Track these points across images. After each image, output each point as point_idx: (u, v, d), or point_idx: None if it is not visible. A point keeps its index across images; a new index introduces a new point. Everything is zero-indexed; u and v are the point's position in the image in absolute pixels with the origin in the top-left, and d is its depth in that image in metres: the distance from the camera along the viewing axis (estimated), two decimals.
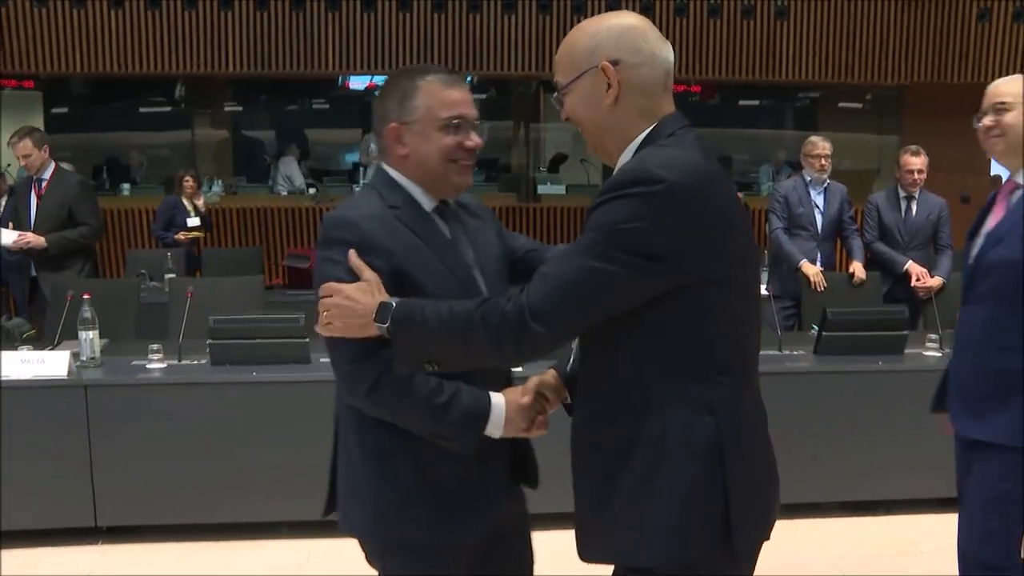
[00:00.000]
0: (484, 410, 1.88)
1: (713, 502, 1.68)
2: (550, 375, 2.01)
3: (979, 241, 2.60)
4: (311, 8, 8.72)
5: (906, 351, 4.54)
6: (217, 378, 4.01)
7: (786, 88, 10.67)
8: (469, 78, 8.84)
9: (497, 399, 1.91)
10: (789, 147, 10.29)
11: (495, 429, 1.90)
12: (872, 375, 4.34)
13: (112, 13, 8.44)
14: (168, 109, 10.70)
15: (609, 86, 1.74)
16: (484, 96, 10.83)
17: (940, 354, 4.53)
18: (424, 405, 1.83)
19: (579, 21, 6.19)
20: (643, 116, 1.76)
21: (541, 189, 9.99)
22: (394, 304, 1.75)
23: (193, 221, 7.51)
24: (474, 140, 1.95)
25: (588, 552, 1.80)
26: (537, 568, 2.22)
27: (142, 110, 10.68)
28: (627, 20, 1.77)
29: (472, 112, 1.95)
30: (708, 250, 1.65)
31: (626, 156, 1.77)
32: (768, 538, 1.80)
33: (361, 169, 9.78)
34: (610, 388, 1.74)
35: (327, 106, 11.55)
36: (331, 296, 1.81)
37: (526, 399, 1.92)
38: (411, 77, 1.94)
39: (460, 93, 1.94)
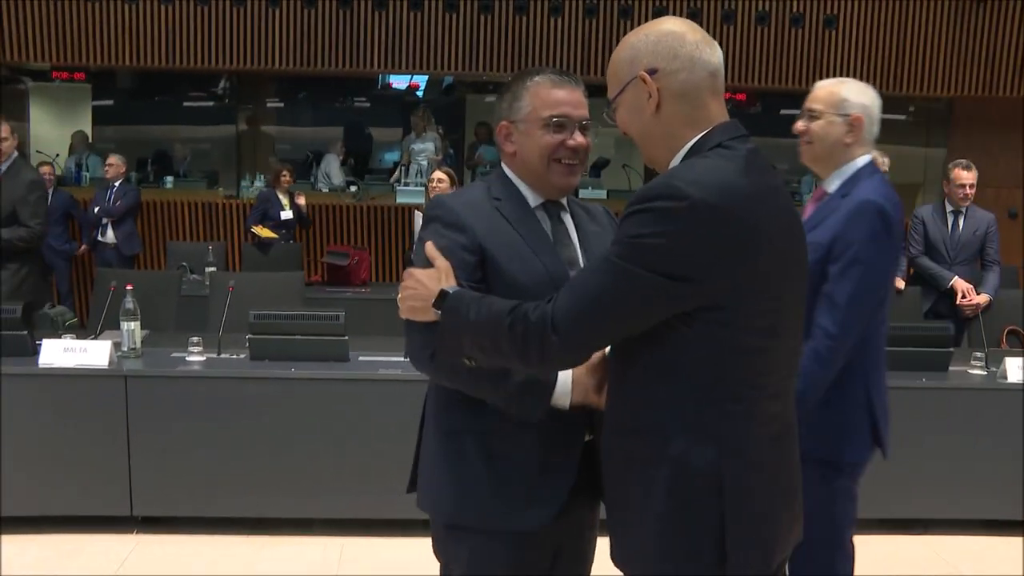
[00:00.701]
0: (553, 375, 1.86)
1: (708, 530, 1.64)
2: None
3: None
4: (358, 6, 8.75)
5: (951, 368, 4.46)
6: (256, 373, 4.03)
7: None
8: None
9: (564, 375, 1.88)
10: None
11: (563, 396, 1.87)
12: (915, 392, 4.27)
13: (162, 8, 8.52)
14: (213, 104, 10.79)
15: (650, 95, 1.70)
16: None
17: (985, 372, 4.45)
18: (490, 371, 1.83)
19: (625, 25, 6.21)
20: (690, 124, 1.70)
21: (583, 193, 9.94)
22: (451, 292, 1.78)
23: (286, 215, 7.63)
24: (577, 140, 1.96)
25: (614, 558, 1.81)
26: None
27: (187, 104, 10.78)
28: (666, 26, 1.73)
29: (578, 112, 1.97)
30: (736, 272, 1.59)
31: (674, 164, 1.72)
32: (772, 572, 1.73)
33: (401, 168, 9.80)
34: (624, 399, 1.73)
35: (368, 104, 11.59)
36: (408, 279, 1.87)
37: (595, 359, 1.85)
38: (523, 78, 2.00)
39: (567, 93, 1.96)
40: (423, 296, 1.81)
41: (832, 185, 2.69)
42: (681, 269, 1.57)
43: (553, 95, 1.96)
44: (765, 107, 11.11)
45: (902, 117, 10.82)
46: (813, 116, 2.65)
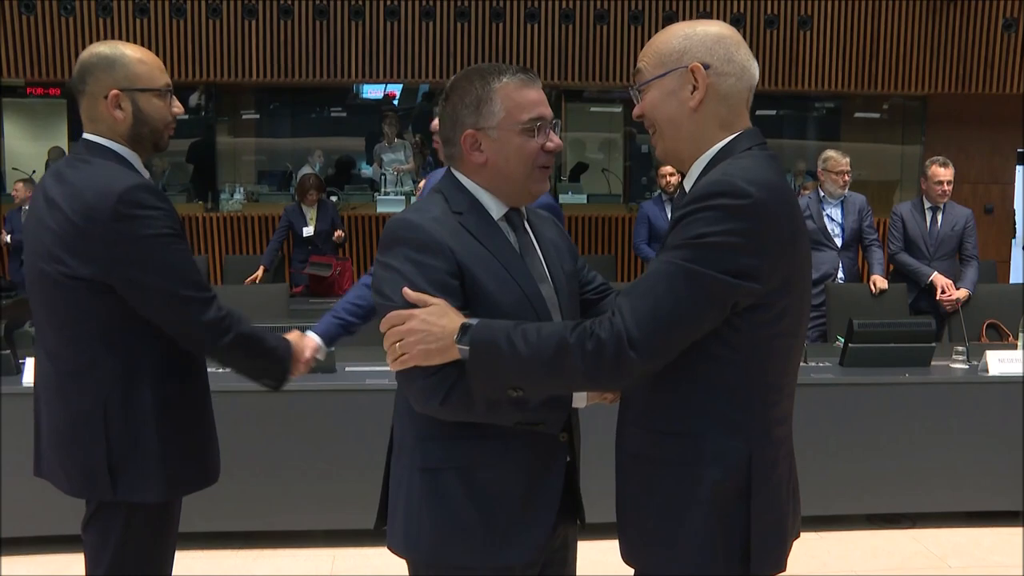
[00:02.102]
0: None
1: (736, 529, 1.67)
2: None
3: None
4: (335, 17, 8.75)
5: (933, 363, 4.51)
6: (240, 386, 3.99)
7: (807, 97, 10.62)
8: None
9: None
10: (810, 157, 10.24)
11: (580, 399, 1.85)
12: (898, 387, 4.31)
13: (137, 21, 8.50)
14: (190, 116, 10.76)
15: (694, 89, 1.71)
16: None
17: (967, 366, 4.50)
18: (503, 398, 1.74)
19: (601, 30, 6.26)
20: (722, 126, 1.73)
21: (562, 198, 9.97)
22: (474, 324, 1.68)
23: (308, 231, 7.43)
24: (555, 141, 1.88)
25: (627, 556, 1.81)
26: None
27: None
28: (723, 30, 1.74)
29: (550, 112, 1.89)
30: (779, 271, 1.62)
31: (699, 165, 1.74)
32: (784, 569, 1.77)
33: (382, 177, 9.80)
34: (656, 401, 1.71)
35: (346, 114, 11.58)
36: (403, 323, 1.72)
37: None
38: (484, 79, 1.84)
39: (537, 92, 1.87)
40: (438, 335, 1.68)
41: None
42: (747, 267, 1.58)
43: (527, 96, 1.85)
44: (765, 108, 11.19)
45: (879, 115, 10.92)
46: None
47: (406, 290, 1.74)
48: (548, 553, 1.95)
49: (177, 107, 2.27)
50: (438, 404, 1.74)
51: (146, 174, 2.25)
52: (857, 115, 11.01)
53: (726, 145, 1.72)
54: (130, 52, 2.21)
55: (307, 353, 2.53)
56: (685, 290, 1.58)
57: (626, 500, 1.79)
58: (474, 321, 1.69)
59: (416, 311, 1.71)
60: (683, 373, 1.66)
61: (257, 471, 3.98)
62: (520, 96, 1.84)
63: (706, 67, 1.70)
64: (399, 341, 1.72)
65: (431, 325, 1.69)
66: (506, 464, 1.83)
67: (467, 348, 1.66)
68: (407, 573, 1.96)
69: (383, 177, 9.71)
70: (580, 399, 1.86)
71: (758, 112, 11.16)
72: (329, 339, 2.71)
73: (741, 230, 1.57)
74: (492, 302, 1.79)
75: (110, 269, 2.09)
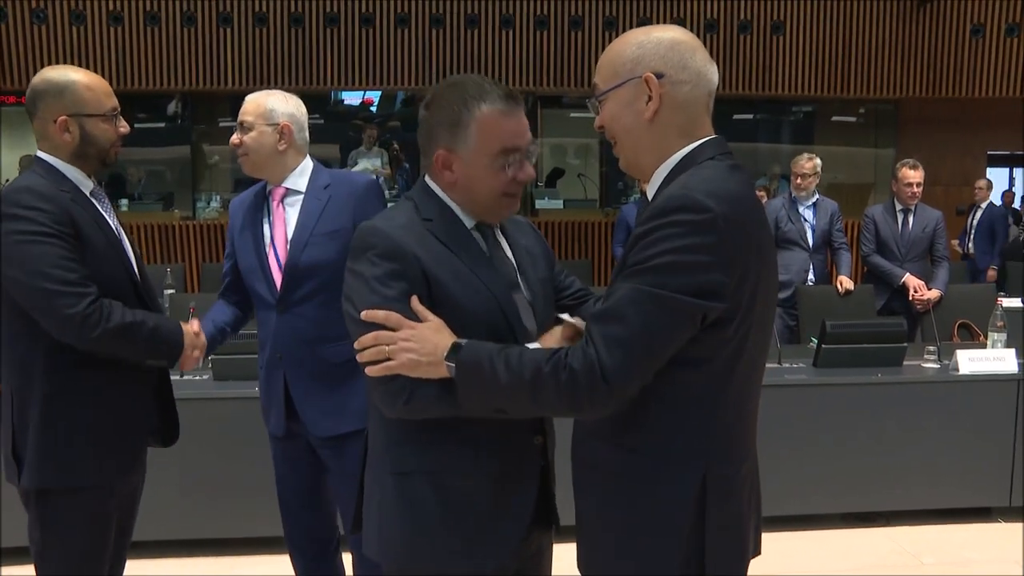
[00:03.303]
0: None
1: (693, 546, 1.66)
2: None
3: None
4: (310, 24, 8.76)
5: (905, 363, 4.56)
6: (219, 393, 4.02)
7: (782, 102, 10.72)
8: None
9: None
10: (784, 161, 10.34)
11: None
12: (871, 387, 4.36)
13: (111, 30, 8.47)
14: (166, 124, 10.72)
15: (650, 99, 1.67)
16: None
17: (938, 365, 4.56)
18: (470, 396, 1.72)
19: (576, 36, 6.30)
20: (681, 135, 1.69)
21: (539, 204, 10.01)
22: (464, 344, 1.68)
23: None
24: (527, 172, 1.86)
25: (583, 567, 1.80)
26: None
27: (141, 126, 10.69)
28: (677, 35, 1.70)
29: (526, 140, 1.86)
30: (746, 285, 1.60)
31: (660, 174, 1.70)
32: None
33: None
34: (619, 414, 1.67)
35: (322, 121, 11.59)
36: (396, 330, 1.71)
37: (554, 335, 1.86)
38: (465, 101, 1.81)
39: (517, 121, 1.84)
40: (428, 352, 1.68)
41: None
42: (713, 284, 1.55)
43: (504, 127, 1.82)
44: (717, 113, 11.26)
45: (853, 119, 11.03)
46: (246, 127, 2.77)
47: (414, 300, 1.74)
48: (522, 559, 1.95)
49: (123, 127, 2.44)
50: (403, 404, 1.74)
51: (88, 186, 2.39)
52: (831, 119, 11.12)
53: (688, 155, 1.68)
54: (78, 79, 2.37)
55: (194, 327, 2.57)
56: (654, 315, 1.55)
57: (583, 513, 1.77)
58: (464, 342, 1.68)
59: (417, 324, 1.71)
60: (647, 389, 1.63)
61: (233, 478, 3.97)
62: (497, 127, 1.81)
63: (660, 76, 1.66)
64: (389, 346, 1.71)
65: (425, 340, 1.69)
66: (479, 470, 1.83)
67: (453, 366, 1.67)
68: None
69: None
70: None
71: (733, 116, 11.30)
72: (211, 339, 2.74)
73: (703, 246, 1.54)
74: (460, 308, 1.78)
75: None
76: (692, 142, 1.69)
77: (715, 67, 1.73)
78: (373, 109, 11.14)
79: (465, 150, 1.82)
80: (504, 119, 1.82)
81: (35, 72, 2.42)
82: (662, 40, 1.68)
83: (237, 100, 9.83)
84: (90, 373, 2.31)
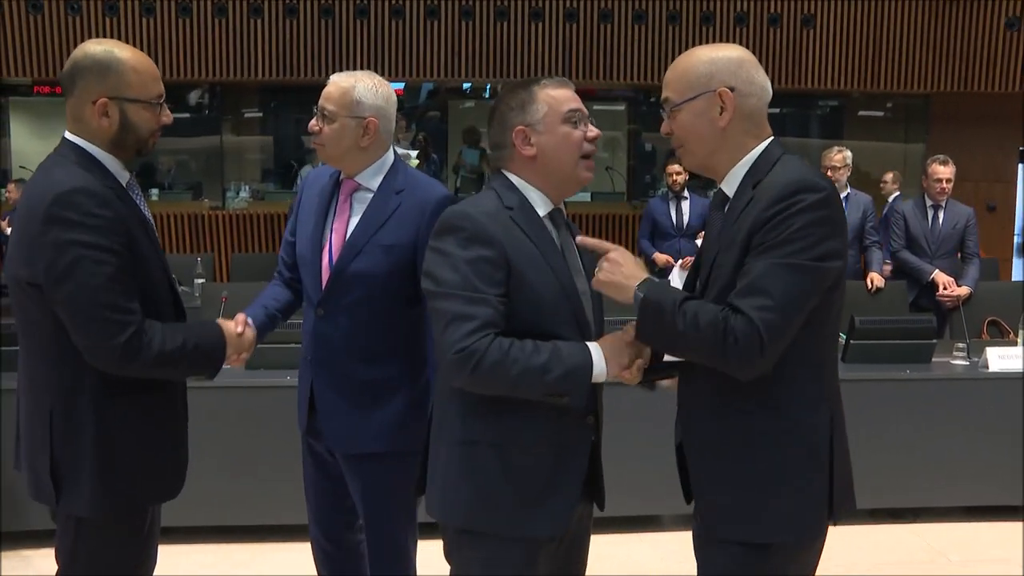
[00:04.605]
0: (587, 358, 1.94)
1: (823, 484, 1.92)
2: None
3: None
4: (339, 16, 8.80)
5: (934, 359, 4.55)
6: (251, 382, 4.07)
7: (812, 96, 10.66)
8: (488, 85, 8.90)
9: (593, 345, 1.97)
10: (813, 155, 10.30)
11: (600, 374, 1.96)
12: (900, 383, 4.36)
13: (144, 21, 8.55)
14: (197, 115, 10.81)
15: (722, 110, 1.93)
16: None
17: (967, 362, 4.54)
18: (528, 369, 1.89)
19: (605, 29, 6.32)
20: (751, 137, 1.97)
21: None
22: (653, 283, 1.91)
23: None
24: (594, 130, 2.10)
25: (721, 531, 1.96)
26: None
27: (173, 114, 10.78)
28: (742, 54, 1.98)
29: (584, 107, 2.10)
30: (846, 251, 1.90)
31: (739, 170, 1.96)
32: (855, 506, 2.06)
33: None
34: (739, 381, 1.86)
35: None
36: (612, 252, 1.97)
37: (622, 334, 2.00)
38: (526, 86, 2.09)
39: (571, 91, 2.11)
40: (627, 274, 1.93)
41: None
42: (833, 249, 1.83)
43: (563, 93, 2.08)
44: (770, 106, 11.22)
45: (883, 114, 10.95)
46: (329, 116, 2.56)
47: (581, 238, 2.05)
48: (570, 528, 2.10)
49: (167, 117, 2.21)
50: (468, 374, 1.90)
51: (125, 177, 2.20)
52: (861, 113, 11.05)
53: (764, 152, 1.96)
54: (125, 57, 2.13)
55: (239, 328, 2.40)
56: (793, 282, 1.80)
57: (715, 479, 1.96)
58: (654, 279, 1.93)
59: (620, 256, 1.96)
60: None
61: (263, 466, 4.03)
62: (559, 94, 2.08)
63: (732, 90, 1.93)
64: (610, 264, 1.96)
65: (627, 264, 1.95)
66: (538, 444, 2.00)
67: (642, 296, 1.89)
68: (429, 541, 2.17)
69: None
70: (601, 376, 1.97)
71: (768, 110, 11.26)
72: (261, 328, 2.62)
73: (824, 219, 1.82)
74: (534, 292, 1.98)
75: (38, 274, 2.04)
76: (761, 142, 1.97)
77: (769, 80, 2.00)
78: (400, 100, 11.19)
79: (539, 121, 2.05)
80: (562, 89, 2.10)
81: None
82: (731, 58, 1.96)
83: (266, 91, 9.88)
84: (140, 396, 2.17)
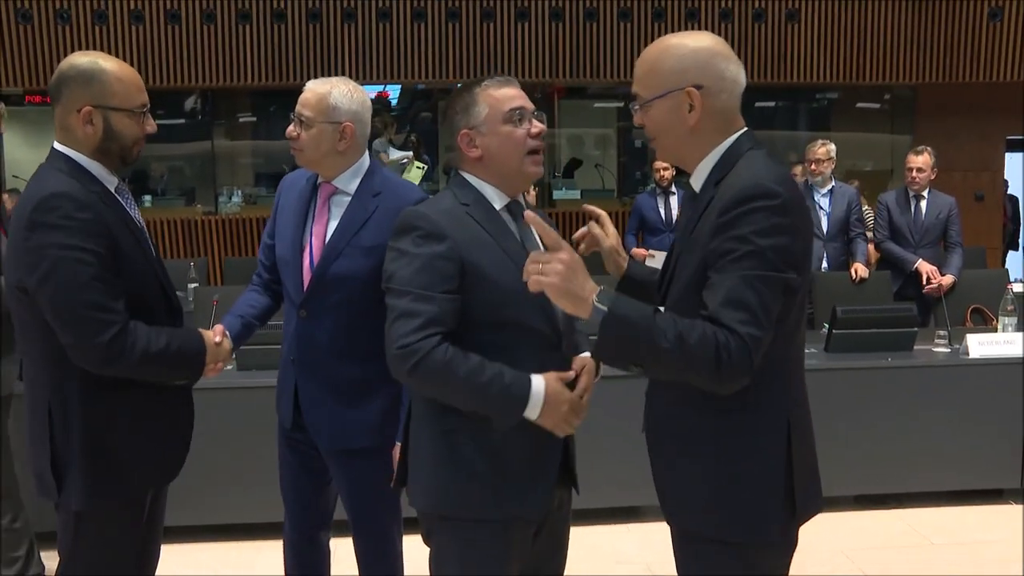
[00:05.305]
0: (524, 393, 1.98)
1: (786, 483, 1.89)
2: (591, 365, 2.12)
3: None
4: (327, 20, 8.86)
5: (916, 347, 4.62)
6: (243, 383, 4.13)
7: (799, 89, 10.72)
8: None
9: (538, 385, 1.99)
10: (801, 149, 10.36)
11: (533, 412, 1.99)
12: (881, 371, 4.43)
13: (133, 29, 8.60)
14: (187, 121, 10.86)
15: (691, 108, 1.88)
16: None
17: (949, 349, 4.61)
18: (464, 386, 1.96)
19: (590, 27, 6.37)
20: (720, 132, 1.92)
21: (556, 194, 10.08)
22: (615, 297, 1.79)
23: None
24: (538, 125, 2.13)
25: (689, 523, 1.95)
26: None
27: (162, 122, 10.83)
28: (711, 44, 1.91)
29: (529, 104, 2.13)
30: (806, 254, 1.87)
31: (706, 165, 1.92)
32: (822, 507, 2.04)
33: None
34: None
35: None
36: (558, 254, 1.80)
37: (571, 398, 2.02)
38: (469, 88, 2.13)
39: (514, 89, 2.13)
40: (580, 284, 1.77)
41: None
42: (795, 256, 1.80)
43: (505, 93, 2.12)
44: (755, 100, 11.27)
45: (871, 106, 11.01)
46: (305, 122, 2.62)
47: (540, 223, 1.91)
48: (548, 512, 2.17)
49: (150, 126, 2.30)
50: (407, 372, 1.97)
51: (113, 183, 2.27)
52: (848, 106, 11.11)
53: (730, 147, 1.91)
54: (109, 67, 2.22)
55: (217, 338, 2.48)
56: (766, 294, 1.76)
57: (677, 476, 1.95)
58: (613, 292, 1.81)
59: (573, 258, 1.80)
60: None
61: (257, 464, 4.07)
62: (499, 93, 2.11)
63: (700, 87, 1.87)
64: (547, 263, 1.80)
65: (575, 272, 1.79)
66: (513, 429, 2.02)
67: (605, 310, 1.75)
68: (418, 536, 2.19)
69: None
70: (533, 411, 1.99)
71: (757, 104, 11.30)
72: (237, 338, 2.71)
73: (782, 225, 1.77)
74: (491, 282, 2.03)
75: (24, 277, 2.12)
76: (730, 136, 1.93)
77: (742, 68, 1.94)
78: (393, 102, 11.24)
79: (481, 123, 2.10)
80: (504, 88, 2.13)
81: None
82: (700, 52, 1.90)
83: (256, 96, 9.90)
84: (132, 389, 2.23)
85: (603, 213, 2.25)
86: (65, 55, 2.29)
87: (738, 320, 1.74)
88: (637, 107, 1.95)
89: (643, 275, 2.24)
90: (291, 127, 2.63)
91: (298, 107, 2.62)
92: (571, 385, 2.06)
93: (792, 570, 3.74)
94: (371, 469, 2.65)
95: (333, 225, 2.64)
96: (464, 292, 2.02)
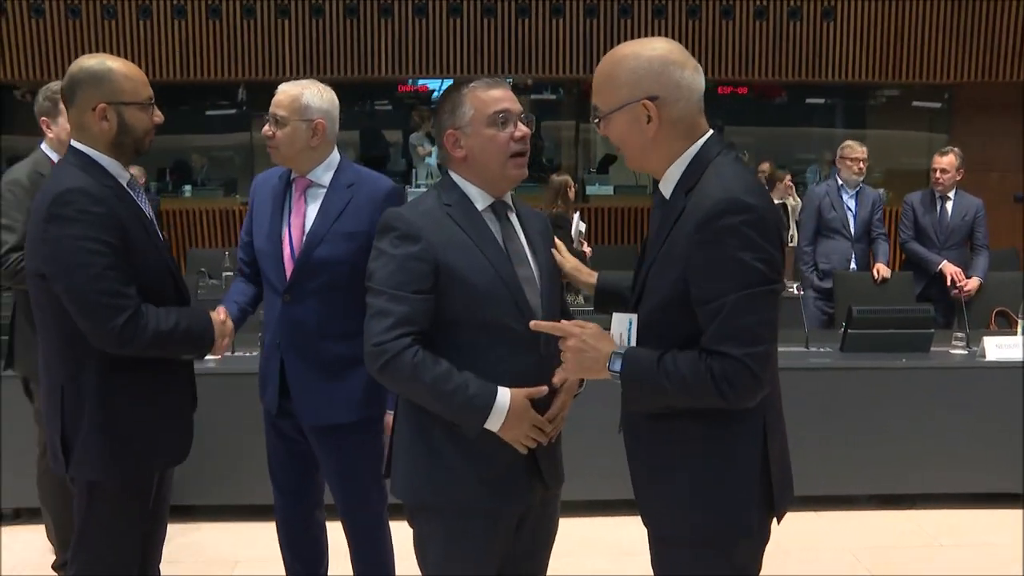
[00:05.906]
0: (488, 404, 2.04)
1: (761, 485, 1.91)
2: (572, 383, 2.17)
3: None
4: (364, 15, 8.99)
5: (933, 349, 4.62)
6: (231, 369, 4.19)
7: (834, 87, 10.65)
8: (509, 79, 9.07)
9: (502, 399, 2.04)
10: (836, 147, 10.30)
11: (494, 424, 2.05)
12: (896, 372, 4.44)
13: (175, 23, 8.80)
14: (228, 112, 11.06)
15: (650, 119, 1.87)
16: (541, 96, 11.30)
17: (966, 352, 4.61)
18: (429, 389, 2.03)
19: (625, 24, 6.44)
20: (683, 138, 1.91)
21: (590, 190, 10.14)
22: (624, 353, 1.88)
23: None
24: (522, 129, 2.13)
25: (665, 527, 1.99)
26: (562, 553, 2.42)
27: (203, 114, 11.05)
28: (664, 52, 1.88)
29: (516, 106, 2.14)
30: (781, 259, 1.86)
31: (674, 172, 1.92)
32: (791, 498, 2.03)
33: (413, 170, 10.05)
34: None
35: (390, 107, 11.80)
36: (566, 343, 1.94)
37: (537, 418, 2.08)
38: (457, 89, 2.15)
39: (501, 91, 2.14)
40: (592, 357, 1.91)
41: None
42: (775, 265, 1.81)
43: (491, 94, 2.12)
44: (791, 97, 11.25)
45: (907, 105, 10.92)
46: (281, 120, 2.78)
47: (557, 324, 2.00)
48: (530, 506, 2.21)
49: (158, 117, 2.46)
50: (377, 370, 2.05)
51: (125, 177, 2.42)
52: (885, 104, 11.02)
53: (698, 153, 1.90)
54: (116, 66, 2.38)
55: (222, 316, 2.64)
56: (759, 311, 1.79)
57: (656, 478, 1.97)
58: (623, 349, 1.90)
59: (581, 332, 1.94)
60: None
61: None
62: (485, 95, 2.12)
63: (655, 98, 1.86)
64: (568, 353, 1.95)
65: (590, 347, 1.92)
66: None
67: (618, 373, 1.88)
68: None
69: (414, 171, 9.97)
70: (495, 422, 2.05)
71: (808, 101, 11.24)
72: (236, 321, 2.84)
73: (759, 238, 1.78)
74: (467, 282, 2.06)
75: (42, 266, 2.30)
76: (695, 141, 1.92)
77: (700, 72, 1.92)
78: (435, 96, 11.36)
79: (466, 124, 2.12)
80: (490, 89, 2.13)
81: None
82: (654, 62, 1.88)
83: None
84: (142, 368, 2.38)
85: (558, 242, 2.33)
86: (75, 49, 2.48)
87: (735, 344, 1.78)
88: (597, 119, 1.95)
89: (614, 285, 2.32)
90: (266, 127, 2.80)
91: (272, 108, 2.79)
92: (548, 400, 2.12)
93: (798, 568, 3.83)
94: (358, 446, 2.78)
95: (312, 214, 2.78)
96: (439, 293, 2.06)
